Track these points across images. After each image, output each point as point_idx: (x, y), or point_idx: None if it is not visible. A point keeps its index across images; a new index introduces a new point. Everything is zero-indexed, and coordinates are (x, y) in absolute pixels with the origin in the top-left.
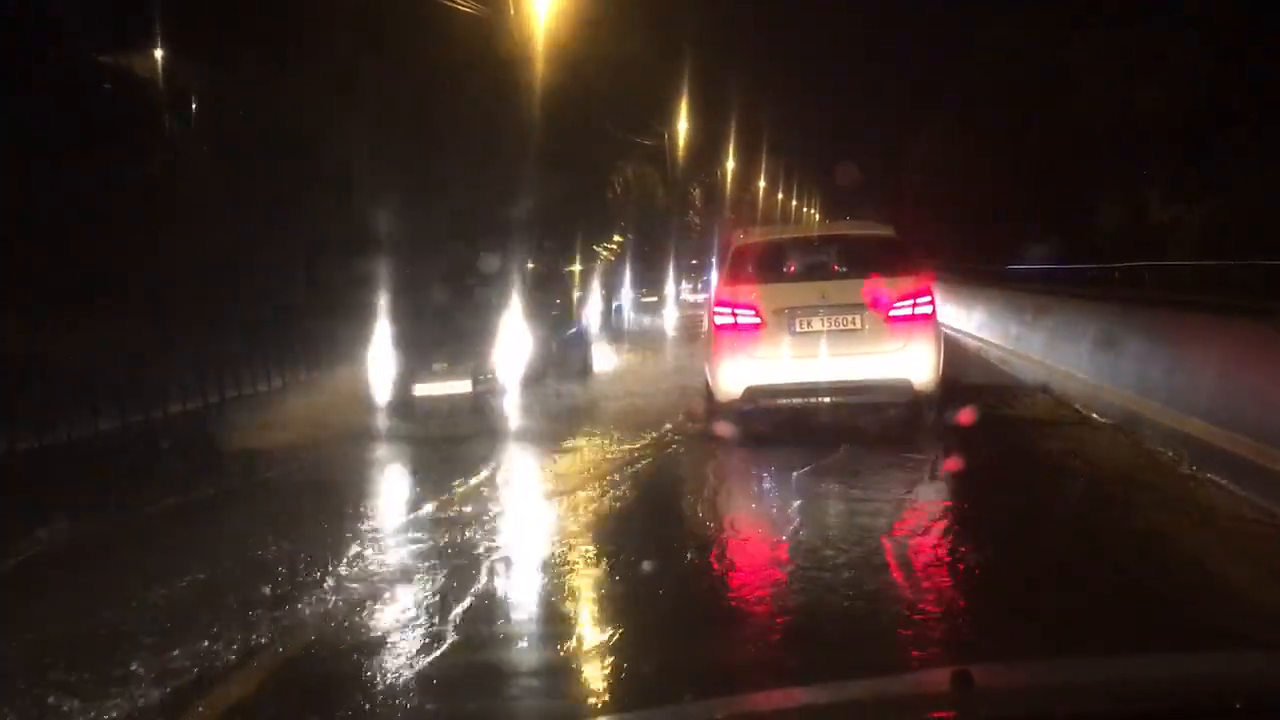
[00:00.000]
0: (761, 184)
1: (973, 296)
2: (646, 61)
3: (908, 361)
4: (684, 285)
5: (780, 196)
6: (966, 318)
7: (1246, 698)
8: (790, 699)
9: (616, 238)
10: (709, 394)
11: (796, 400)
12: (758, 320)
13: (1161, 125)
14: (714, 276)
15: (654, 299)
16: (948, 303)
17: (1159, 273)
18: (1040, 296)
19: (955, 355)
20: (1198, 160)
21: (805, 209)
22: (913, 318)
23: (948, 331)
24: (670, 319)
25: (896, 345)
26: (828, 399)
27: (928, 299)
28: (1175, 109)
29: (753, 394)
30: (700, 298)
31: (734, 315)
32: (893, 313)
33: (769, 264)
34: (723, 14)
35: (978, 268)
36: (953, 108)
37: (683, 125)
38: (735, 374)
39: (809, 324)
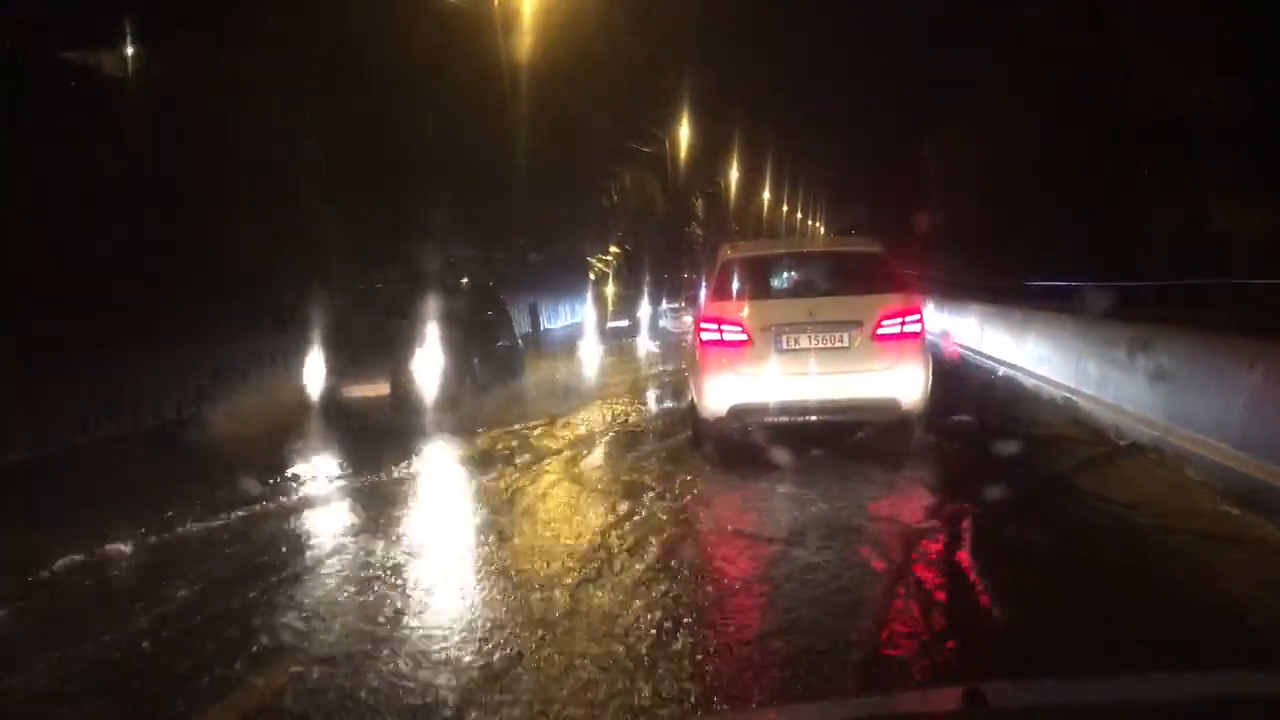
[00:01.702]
0: (766, 196)
1: (1024, 322)
2: (648, 66)
3: (896, 381)
4: (665, 307)
5: (785, 209)
6: (1016, 348)
7: (1261, 717)
8: (801, 715)
9: (613, 248)
10: (694, 411)
11: (783, 419)
12: (744, 337)
13: (1224, 120)
14: (702, 294)
15: (624, 323)
16: (989, 328)
17: (1229, 291)
18: (1139, 326)
19: (1022, 408)
20: (1269, 158)
21: (810, 221)
22: (901, 336)
23: (993, 365)
24: (641, 358)
25: (885, 364)
26: (815, 418)
27: (916, 317)
28: (1242, 100)
29: (738, 412)
30: (685, 322)
31: (720, 331)
32: (881, 331)
33: (757, 279)
34: (726, 22)
35: (989, 284)
36: (971, 107)
37: (685, 132)
38: (721, 391)
39: (796, 341)
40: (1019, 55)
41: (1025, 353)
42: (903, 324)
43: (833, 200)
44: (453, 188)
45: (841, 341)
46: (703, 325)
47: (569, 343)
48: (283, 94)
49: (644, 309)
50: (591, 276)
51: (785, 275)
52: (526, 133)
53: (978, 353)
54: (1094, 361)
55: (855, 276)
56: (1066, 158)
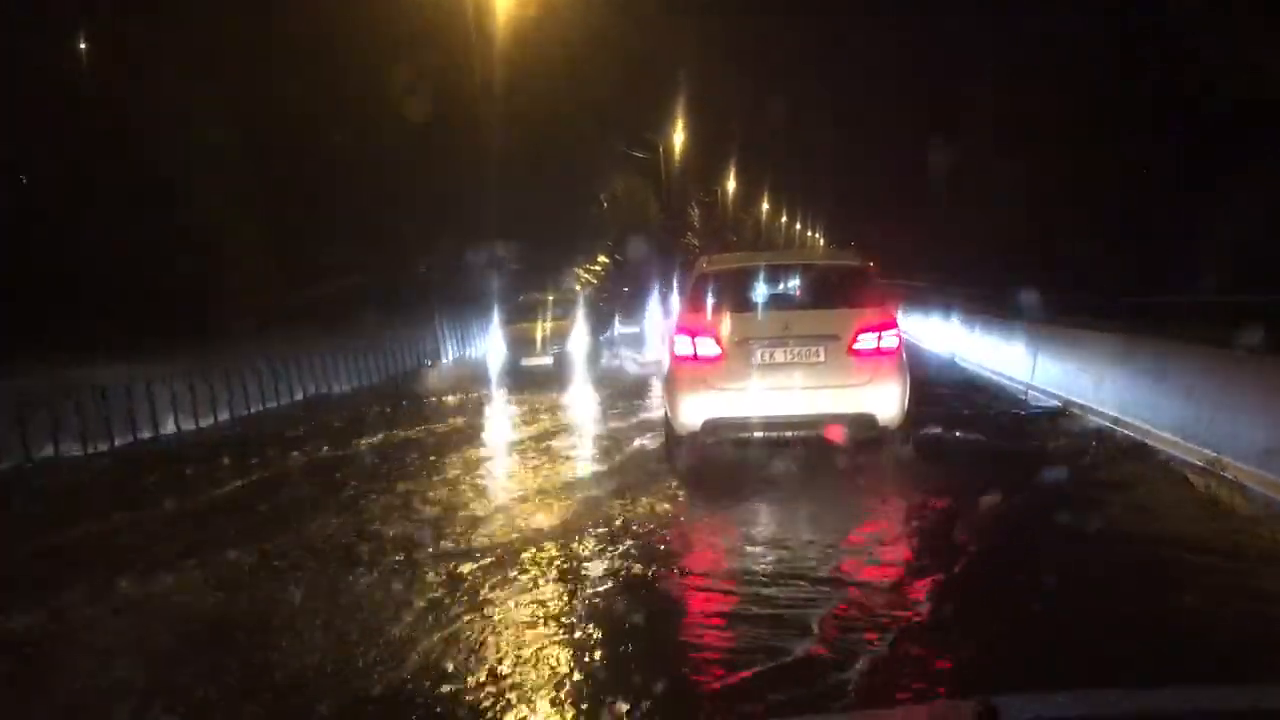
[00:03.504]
0: (765, 205)
1: (1121, 357)
2: (644, 71)
3: (872, 396)
4: (616, 332)
5: (785, 219)
6: (1094, 388)
7: None
8: None
9: (601, 257)
10: (668, 425)
11: (758, 434)
12: (719, 350)
13: None
14: (648, 316)
15: (545, 360)
16: (1044, 357)
17: None
18: None
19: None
20: None
21: (810, 233)
22: (878, 351)
23: (1056, 405)
24: (551, 457)
25: (861, 379)
26: (790, 433)
27: (893, 332)
28: None
29: (712, 427)
30: (648, 356)
31: (694, 344)
32: (857, 346)
33: (733, 292)
34: (727, 29)
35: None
36: (987, 108)
37: (681, 139)
38: (694, 406)
39: (772, 355)
40: (1044, 45)
41: (1104, 393)
42: (879, 338)
43: (836, 209)
44: (422, 191)
45: (817, 356)
46: (677, 338)
47: (417, 403)
48: (195, 76)
49: (579, 337)
50: (576, 288)
51: (762, 288)
52: (504, 131)
53: (1031, 387)
54: (1265, 416)
55: (833, 290)
56: (1101, 156)
